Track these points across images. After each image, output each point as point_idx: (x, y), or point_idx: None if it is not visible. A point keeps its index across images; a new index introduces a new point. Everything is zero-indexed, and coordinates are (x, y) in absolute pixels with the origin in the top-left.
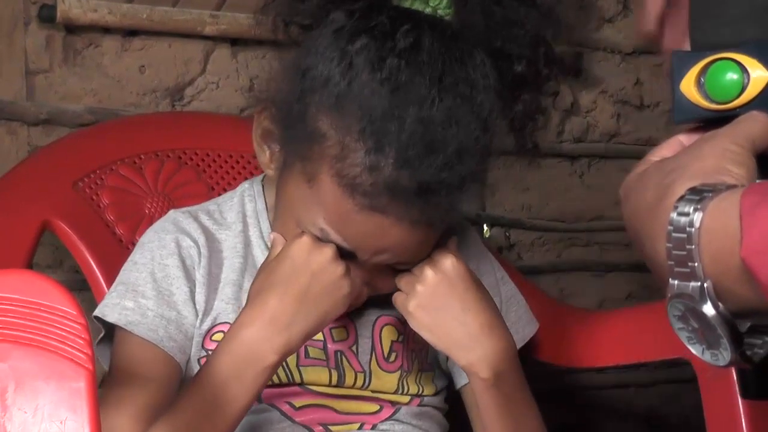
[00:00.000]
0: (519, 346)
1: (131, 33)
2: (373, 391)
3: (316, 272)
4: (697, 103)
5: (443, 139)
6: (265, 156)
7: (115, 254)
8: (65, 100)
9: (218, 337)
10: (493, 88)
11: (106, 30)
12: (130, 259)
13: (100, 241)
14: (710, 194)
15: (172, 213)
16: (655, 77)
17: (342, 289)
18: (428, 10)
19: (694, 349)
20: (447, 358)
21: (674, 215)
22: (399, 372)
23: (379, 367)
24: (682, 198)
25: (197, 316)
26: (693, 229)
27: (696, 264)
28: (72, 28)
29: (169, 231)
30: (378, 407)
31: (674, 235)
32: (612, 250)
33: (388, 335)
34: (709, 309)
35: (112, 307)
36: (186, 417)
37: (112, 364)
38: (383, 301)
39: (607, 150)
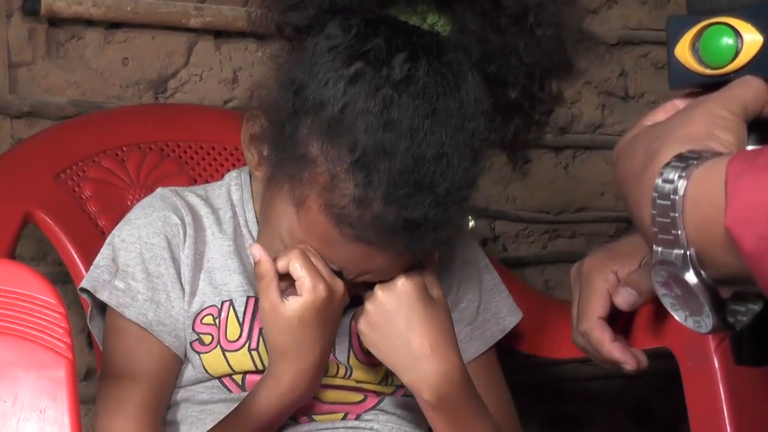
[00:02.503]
0: (498, 337)
1: (114, 25)
2: (357, 381)
3: (340, 309)
4: (691, 68)
5: (433, 178)
6: (253, 159)
7: (97, 246)
8: (48, 92)
9: (208, 320)
10: (486, 111)
11: (89, 22)
12: (116, 233)
13: (82, 233)
14: (695, 161)
15: (159, 190)
16: (640, 68)
17: (344, 307)
18: (425, 26)
19: (678, 316)
20: None
21: (659, 182)
22: (383, 364)
23: (358, 360)
24: (667, 164)
25: (184, 296)
26: (677, 197)
27: (679, 232)
28: (55, 21)
29: (156, 208)
30: (362, 397)
31: (658, 202)
32: (597, 242)
33: None
34: (691, 276)
35: (103, 285)
36: None
37: (108, 355)
38: (357, 301)
39: (591, 141)
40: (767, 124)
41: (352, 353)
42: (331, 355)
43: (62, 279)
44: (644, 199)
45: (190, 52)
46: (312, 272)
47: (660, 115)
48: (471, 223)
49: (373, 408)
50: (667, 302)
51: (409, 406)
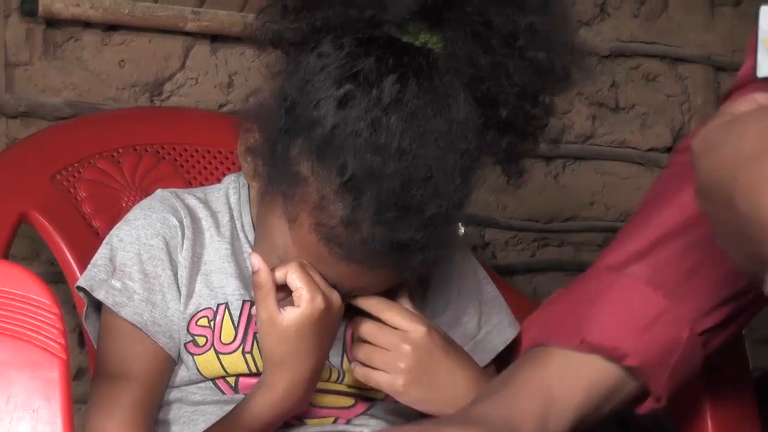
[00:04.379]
0: (500, 349)
1: (112, 28)
2: (348, 386)
3: (336, 320)
4: None
5: (421, 200)
6: (249, 170)
7: (91, 247)
8: (45, 93)
9: (203, 322)
10: (477, 131)
11: (87, 24)
12: (114, 233)
13: (76, 233)
14: None
15: (159, 191)
16: (631, 80)
17: (341, 318)
18: (418, 44)
19: None
20: None
21: None
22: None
23: (351, 365)
24: None
25: (180, 298)
26: None
27: None
28: (53, 22)
29: (156, 209)
30: (353, 402)
31: None
32: (586, 251)
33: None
34: None
35: (100, 284)
36: None
37: (102, 355)
38: (352, 309)
39: (582, 151)
40: None
41: (345, 358)
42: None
43: (55, 279)
44: (764, 186)
45: (187, 55)
46: (310, 284)
47: (744, 106)
48: (461, 230)
49: (363, 413)
50: None
51: (399, 411)
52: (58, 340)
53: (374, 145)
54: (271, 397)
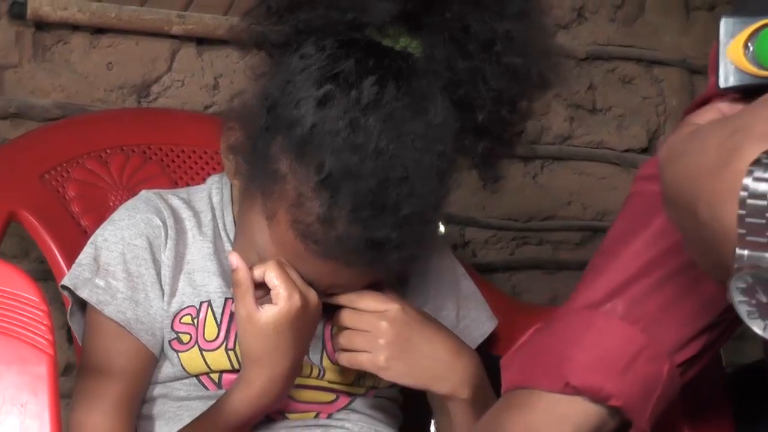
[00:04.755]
0: (478, 342)
1: (99, 31)
2: (329, 382)
3: (314, 318)
4: (744, 69)
5: (396, 200)
6: (231, 168)
7: (79, 245)
8: (34, 94)
9: (187, 319)
10: (454, 134)
11: (75, 27)
12: (99, 233)
13: (65, 232)
14: None
15: (144, 192)
16: (608, 82)
17: (319, 316)
18: (398, 47)
19: (754, 325)
20: None
21: (749, 180)
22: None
23: (331, 362)
24: (757, 161)
25: (163, 297)
26: None
27: None
28: (41, 25)
29: (140, 210)
30: (334, 397)
31: (750, 201)
32: (563, 249)
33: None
34: None
35: (84, 282)
36: None
37: (87, 351)
38: (331, 305)
39: (560, 152)
40: None
41: (325, 355)
42: (305, 356)
43: (44, 276)
44: (724, 196)
45: (173, 58)
46: (287, 282)
47: (708, 115)
48: (441, 229)
49: (344, 408)
50: (743, 310)
51: (379, 406)
52: (46, 337)
53: (352, 144)
54: (249, 394)
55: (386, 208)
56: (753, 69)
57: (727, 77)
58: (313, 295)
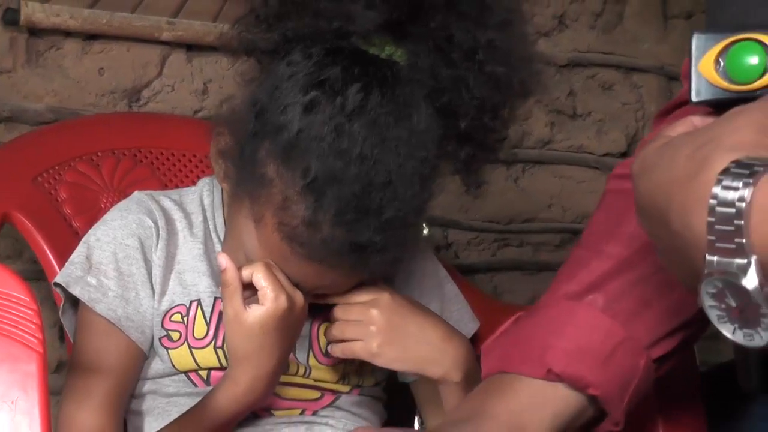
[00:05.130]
0: None
1: (91, 37)
2: (315, 380)
3: (299, 320)
4: (716, 83)
5: (380, 204)
6: (220, 172)
7: (71, 246)
8: (27, 99)
9: (176, 317)
10: (437, 140)
11: (68, 33)
12: (92, 233)
13: (57, 233)
14: (761, 168)
15: (136, 194)
16: (588, 89)
17: (305, 318)
18: (384, 56)
19: (724, 329)
20: None
21: (718, 189)
22: (342, 365)
23: (318, 361)
24: (725, 171)
25: (154, 296)
26: (743, 204)
27: (744, 240)
28: (35, 31)
29: (132, 211)
30: (319, 395)
31: (719, 209)
32: (543, 251)
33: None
34: (755, 287)
35: (76, 280)
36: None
37: (77, 348)
38: (317, 305)
39: (541, 156)
40: None
41: (311, 354)
42: (292, 355)
43: (36, 276)
44: (694, 206)
45: (163, 63)
46: (274, 284)
47: (681, 128)
48: (425, 231)
49: (329, 405)
50: (713, 315)
51: (363, 403)
52: (36, 335)
53: (337, 149)
54: (235, 391)
55: (370, 212)
56: (724, 83)
57: (699, 91)
58: (299, 297)
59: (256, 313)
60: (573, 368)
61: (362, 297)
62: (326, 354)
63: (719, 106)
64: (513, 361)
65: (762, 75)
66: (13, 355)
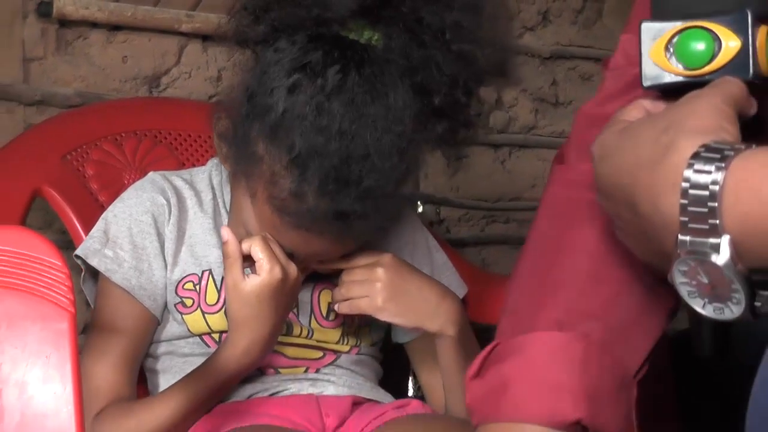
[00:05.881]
0: None
1: (116, 28)
2: (317, 341)
3: (293, 290)
4: (666, 69)
5: (359, 175)
6: (222, 153)
7: (96, 218)
8: (57, 84)
9: (189, 286)
10: (414, 117)
11: (94, 24)
12: (110, 209)
13: (84, 206)
14: (731, 152)
15: (150, 174)
16: (569, 79)
17: (299, 288)
18: (363, 40)
19: (694, 303)
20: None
21: (690, 173)
22: (341, 327)
23: (319, 324)
24: (696, 155)
25: (166, 267)
26: (717, 187)
27: (717, 221)
28: (64, 22)
29: (146, 190)
30: (321, 354)
31: (692, 192)
32: (528, 227)
33: (324, 299)
34: (728, 263)
35: (94, 252)
36: (195, 392)
37: (96, 312)
38: (318, 274)
39: (525, 141)
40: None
41: (313, 318)
42: (296, 318)
43: (65, 246)
44: (664, 189)
45: (181, 53)
46: (270, 256)
47: (634, 113)
48: (420, 209)
49: (330, 364)
50: (684, 291)
51: (362, 362)
52: (67, 296)
53: (318, 126)
54: (234, 353)
55: (350, 183)
56: (674, 68)
57: (649, 77)
58: (293, 269)
59: (253, 282)
60: (596, 415)
61: (366, 260)
62: (326, 317)
63: (668, 90)
64: (528, 410)
65: (710, 61)
66: (46, 314)
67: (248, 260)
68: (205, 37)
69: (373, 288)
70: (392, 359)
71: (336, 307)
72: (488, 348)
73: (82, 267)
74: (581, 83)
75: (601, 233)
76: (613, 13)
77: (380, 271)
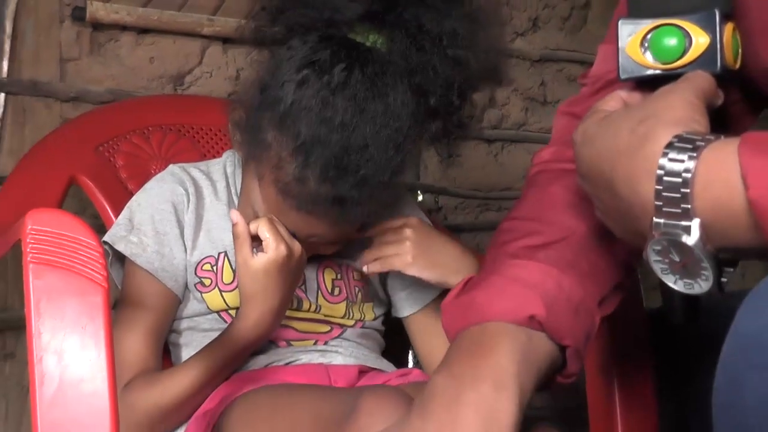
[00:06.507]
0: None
1: (144, 31)
2: (325, 315)
3: (298, 266)
4: (641, 63)
5: (357, 164)
6: (235, 139)
7: (126, 204)
8: (90, 82)
9: (207, 267)
10: (411, 115)
11: (124, 28)
12: (135, 199)
13: (115, 193)
14: (702, 143)
15: (171, 167)
16: (557, 80)
17: (304, 264)
18: (368, 43)
19: (667, 279)
20: (387, 296)
21: (665, 161)
22: (345, 302)
23: (326, 299)
24: (671, 145)
25: (185, 250)
26: (689, 175)
27: (689, 205)
28: (97, 26)
29: (167, 181)
30: (329, 328)
31: (666, 179)
32: None
33: (329, 275)
34: (698, 244)
35: (120, 238)
36: (213, 360)
37: (124, 291)
38: (320, 257)
39: (516, 136)
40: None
41: (320, 294)
42: (304, 295)
43: (98, 230)
44: (642, 175)
45: (203, 54)
46: (276, 235)
47: (612, 103)
48: (420, 197)
49: (337, 336)
50: (657, 268)
51: (366, 335)
52: (101, 273)
53: (322, 118)
54: (246, 324)
55: (348, 171)
56: (648, 62)
57: (626, 70)
58: (297, 247)
59: (260, 259)
60: (552, 318)
61: (395, 222)
62: (332, 293)
63: (643, 82)
64: (491, 310)
65: (681, 55)
66: (82, 289)
67: (256, 240)
68: (225, 40)
69: (403, 246)
70: (393, 334)
71: (365, 268)
72: (464, 280)
73: (109, 252)
74: (568, 84)
75: (569, 190)
76: (597, 20)
77: (408, 231)
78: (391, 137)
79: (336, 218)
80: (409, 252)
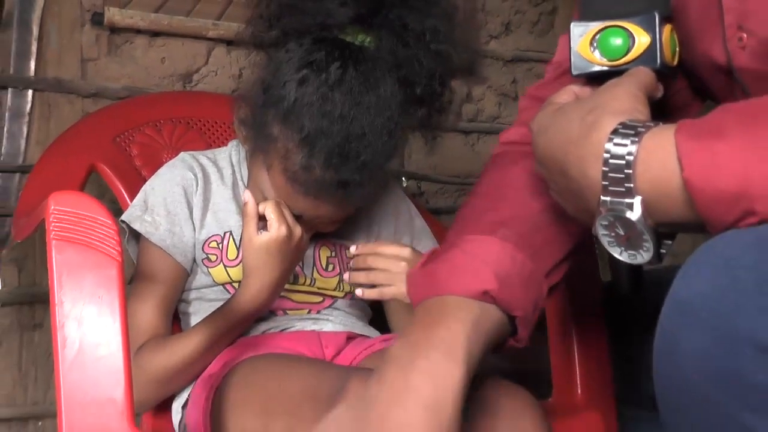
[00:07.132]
0: None
1: (156, 34)
2: (318, 288)
3: (298, 247)
4: (591, 60)
5: (357, 151)
6: (241, 136)
7: (140, 189)
8: (108, 80)
9: (213, 244)
10: (400, 104)
11: (138, 31)
12: (149, 183)
13: (130, 179)
14: (643, 129)
15: (181, 154)
16: (527, 78)
17: (305, 246)
18: (357, 42)
19: (613, 251)
20: None
21: (610, 145)
22: (338, 277)
23: (320, 274)
24: (615, 131)
25: (194, 229)
26: (631, 157)
27: (632, 185)
28: (114, 29)
29: (178, 167)
30: (321, 299)
31: (611, 161)
32: None
33: (324, 253)
34: (640, 219)
35: (136, 218)
36: (216, 328)
37: (139, 265)
38: (319, 236)
39: (491, 128)
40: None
41: (315, 269)
42: (301, 270)
43: (115, 213)
44: (590, 159)
45: (209, 55)
46: (279, 217)
47: (564, 96)
48: (404, 183)
49: (329, 306)
50: (605, 241)
51: (353, 305)
52: (116, 248)
53: (323, 112)
54: (247, 295)
55: (350, 157)
56: (597, 60)
57: (577, 67)
58: (298, 230)
59: (263, 238)
60: (504, 292)
61: (393, 250)
62: (326, 269)
63: (592, 78)
64: (448, 284)
65: (626, 53)
66: (99, 263)
67: (263, 220)
68: (229, 42)
69: (398, 278)
70: (379, 305)
71: (360, 291)
72: (429, 252)
73: (126, 230)
74: (537, 81)
75: (527, 171)
76: (563, 25)
77: (403, 265)
78: (384, 125)
79: (340, 200)
80: (404, 284)
